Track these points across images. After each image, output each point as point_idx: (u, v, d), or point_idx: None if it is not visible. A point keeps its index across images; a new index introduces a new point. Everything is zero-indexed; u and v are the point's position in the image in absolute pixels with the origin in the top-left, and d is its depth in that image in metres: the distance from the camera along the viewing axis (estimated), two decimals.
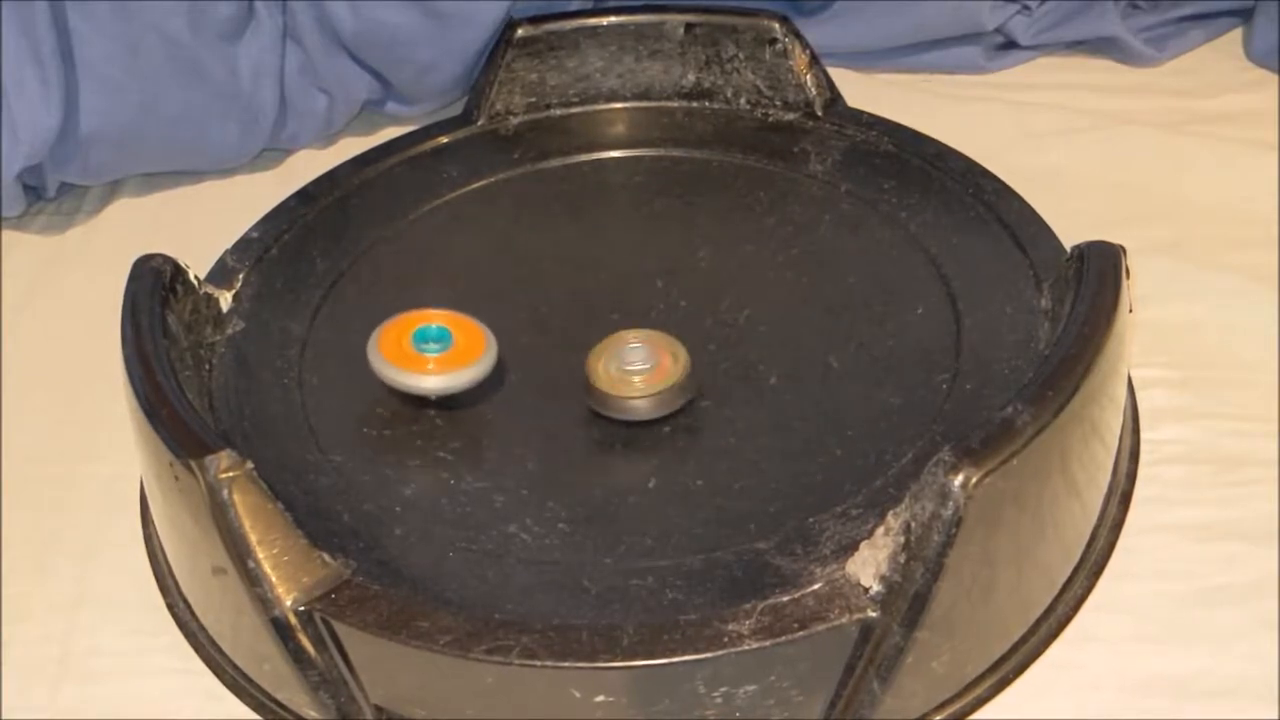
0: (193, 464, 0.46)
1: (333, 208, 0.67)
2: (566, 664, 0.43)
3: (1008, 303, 0.57)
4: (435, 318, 0.54)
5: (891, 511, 0.44)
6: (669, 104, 0.73)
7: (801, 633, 0.43)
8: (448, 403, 0.55)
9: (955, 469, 0.42)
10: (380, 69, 0.76)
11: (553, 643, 0.44)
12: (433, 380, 0.53)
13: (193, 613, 0.53)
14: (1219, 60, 0.79)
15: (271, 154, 0.78)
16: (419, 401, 0.55)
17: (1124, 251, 0.52)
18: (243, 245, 0.64)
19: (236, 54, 0.74)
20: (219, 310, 0.60)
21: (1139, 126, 0.74)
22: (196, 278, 0.59)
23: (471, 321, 0.55)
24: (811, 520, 0.49)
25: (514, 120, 0.73)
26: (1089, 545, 0.51)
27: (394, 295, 0.62)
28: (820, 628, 0.44)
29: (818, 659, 0.44)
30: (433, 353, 0.53)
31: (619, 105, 0.73)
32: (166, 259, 0.57)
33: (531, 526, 0.50)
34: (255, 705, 0.49)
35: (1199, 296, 0.62)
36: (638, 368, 0.53)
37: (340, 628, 0.46)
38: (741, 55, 0.71)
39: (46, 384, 0.64)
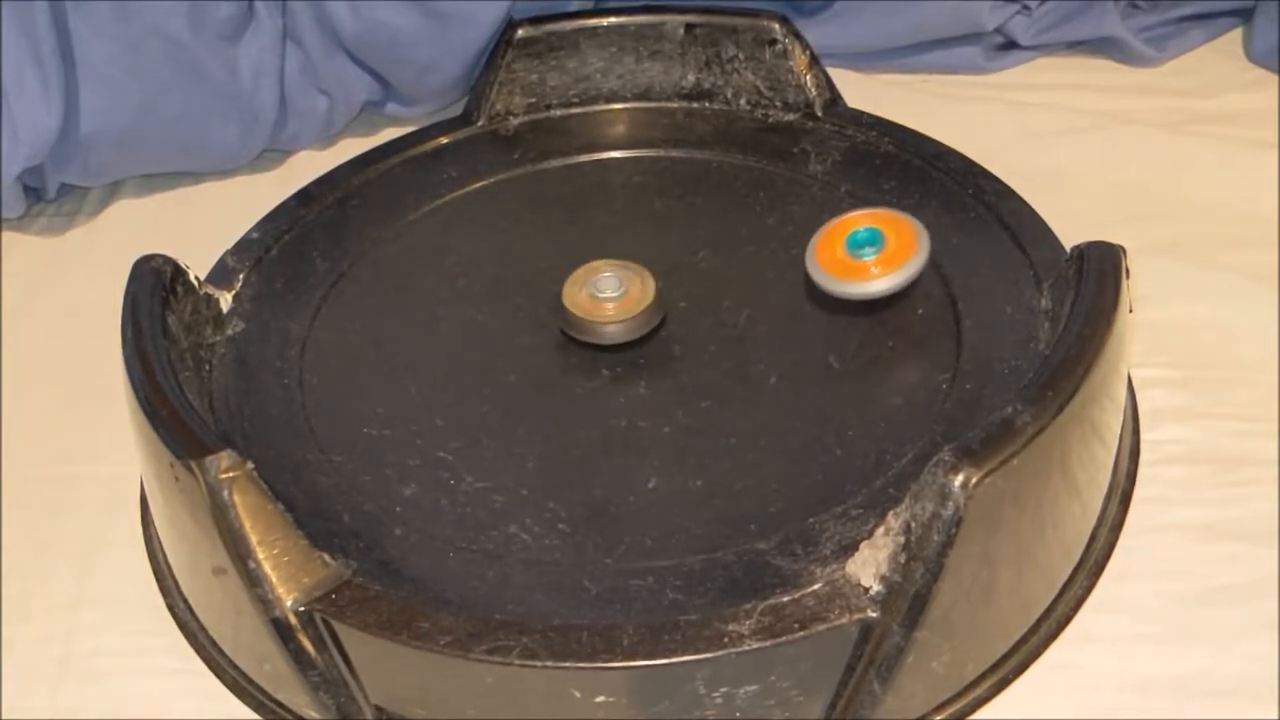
0: (193, 464, 0.46)
1: (333, 208, 0.67)
2: (567, 664, 0.43)
3: (1008, 303, 0.57)
4: (862, 220, 0.55)
5: (892, 512, 0.44)
6: (669, 104, 0.73)
7: (802, 633, 0.43)
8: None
9: (955, 469, 0.42)
10: (380, 70, 0.76)
11: (553, 643, 0.44)
12: (879, 284, 0.54)
13: (193, 613, 0.53)
14: (1219, 60, 0.79)
15: (272, 155, 0.78)
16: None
17: (1124, 252, 0.52)
18: (243, 246, 0.64)
19: (236, 55, 0.74)
20: (219, 311, 0.60)
21: (1139, 126, 0.74)
22: (197, 278, 0.59)
23: (896, 215, 0.55)
24: (812, 520, 0.49)
25: (514, 121, 0.73)
26: (1089, 545, 0.51)
27: (394, 295, 0.62)
28: (820, 628, 0.44)
29: (818, 659, 0.44)
30: (869, 256, 0.54)
31: (619, 106, 0.73)
32: (167, 259, 0.57)
33: (531, 527, 0.50)
34: (255, 706, 0.49)
35: (1199, 296, 0.62)
36: (609, 295, 0.56)
37: (340, 628, 0.46)
38: (741, 56, 0.71)
39: (47, 384, 0.64)
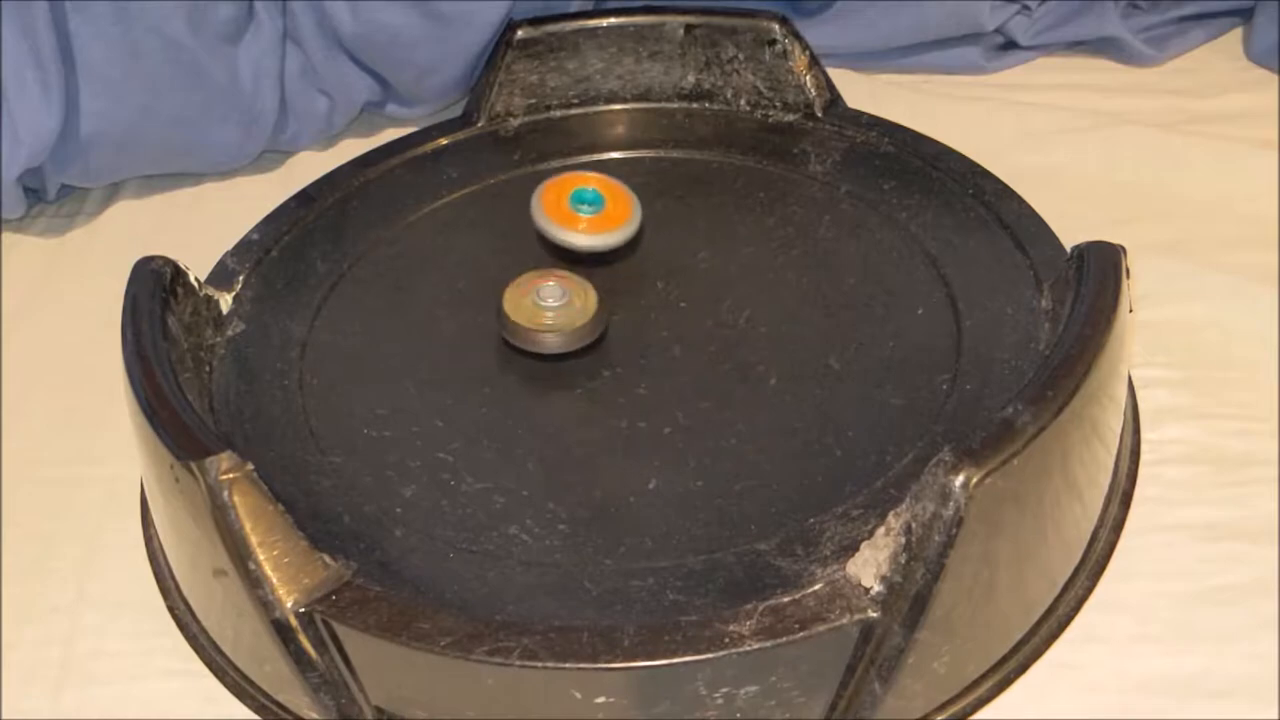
0: (193, 466, 0.46)
1: (333, 209, 0.67)
2: (567, 665, 0.43)
3: (1008, 303, 0.57)
4: (591, 181, 0.60)
5: (892, 512, 0.44)
6: (669, 105, 0.73)
7: (802, 633, 0.43)
8: (596, 259, 0.59)
9: (956, 469, 0.42)
10: (380, 71, 0.76)
11: (553, 644, 0.44)
12: (583, 239, 0.59)
13: (193, 614, 0.53)
14: (1219, 60, 0.79)
15: (272, 156, 0.78)
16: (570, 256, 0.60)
17: (1124, 252, 0.52)
18: (243, 247, 0.64)
19: (237, 56, 0.74)
20: (219, 312, 0.60)
21: (1139, 126, 0.74)
22: (197, 279, 0.59)
23: (622, 188, 0.60)
24: (812, 521, 0.49)
25: (514, 122, 0.73)
26: (1090, 545, 0.51)
27: (394, 296, 0.62)
28: (821, 628, 0.44)
29: (819, 660, 0.44)
30: (586, 214, 0.58)
31: (619, 107, 0.73)
32: (167, 261, 0.57)
33: (532, 528, 0.50)
34: (256, 707, 0.49)
35: (1199, 296, 0.62)
36: (551, 304, 0.56)
37: (341, 629, 0.46)
38: (741, 56, 0.71)
39: (47, 386, 0.64)
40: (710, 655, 0.43)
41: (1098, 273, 0.51)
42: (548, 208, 0.59)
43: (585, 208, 0.59)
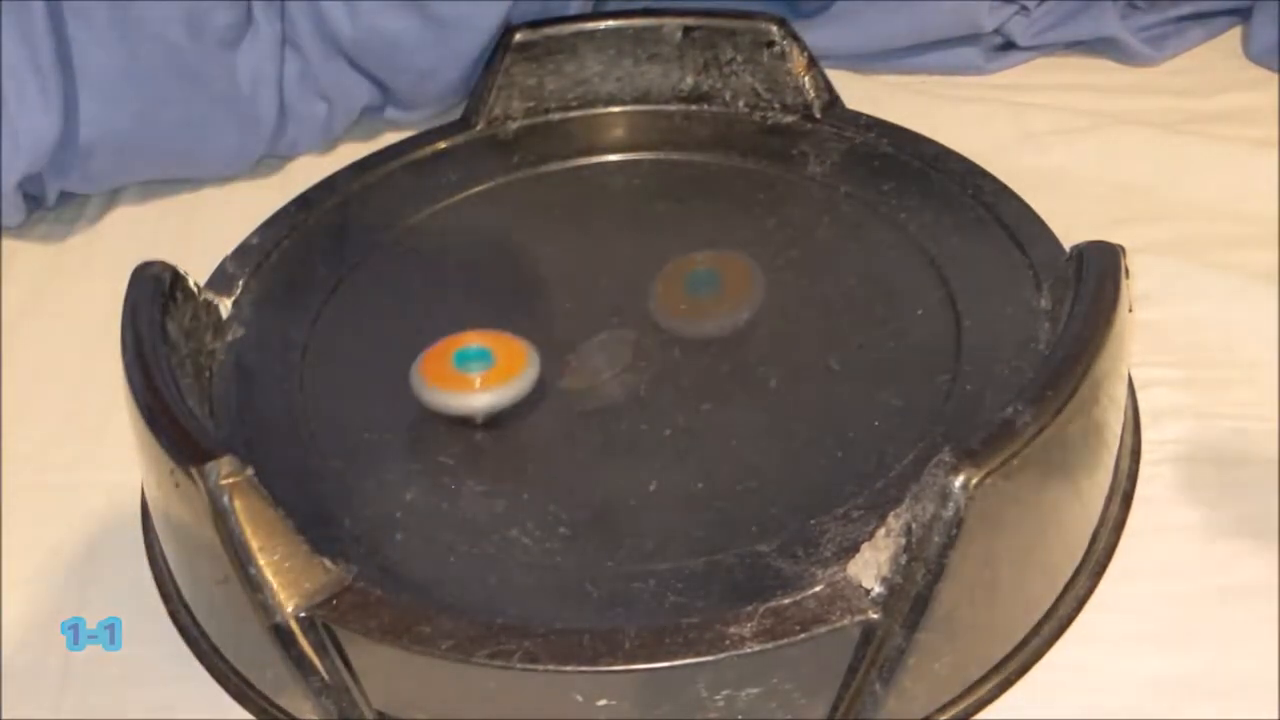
0: (193, 471, 0.46)
1: (332, 213, 0.67)
2: (569, 668, 0.43)
3: (1008, 303, 0.57)
4: (474, 339, 0.55)
5: (893, 513, 0.44)
6: (667, 107, 0.73)
7: (803, 635, 0.43)
8: (494, 421, 0.54)
9: (956, 470, 0.42)
10: (379, 75, 0.76)
11: (555, 647, 0.44)
12: (481, 399, 0.53)
13: (194, 620, 0.53)
14: (1219, 60, 0.79)
15: (271, 161, 0.78)
16: (461, 423, 0.54)
17: (1123, 251, 0.52)
18: (242, 252, 0.64)
19: (235, 61, 0.74)
20: (219, 317, 0.60)
21: (1139, 126, 0.74)
22: (196, 285, 0.59)
23: (509, 337, 0.55)
24: (812, 522, 0.49)
25: (513, 125, 0.73)
26: (1090, 545, 0.51)
27: (394, 300, 0.62)
28: (822, 630, 0.44)
29: (820, 661, 0.44)
30: (476, 371, 0.53)
31: (617, 109, 0.73)
32: (166, 266, 0.57)
33: (532, 530, 0.50)
34: (257, 711, 0.49)
35: (1199, 296, 0.62)
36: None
37: (342, 633, 0.46)
38: (740, 58, 0.71)
39: (47, 392, 0.64)
40: (711, 657, 0.43)
41: (1097, 272, 0.51)
42: (431, 377, 0.54)
43: (474, 365, 0.53)
